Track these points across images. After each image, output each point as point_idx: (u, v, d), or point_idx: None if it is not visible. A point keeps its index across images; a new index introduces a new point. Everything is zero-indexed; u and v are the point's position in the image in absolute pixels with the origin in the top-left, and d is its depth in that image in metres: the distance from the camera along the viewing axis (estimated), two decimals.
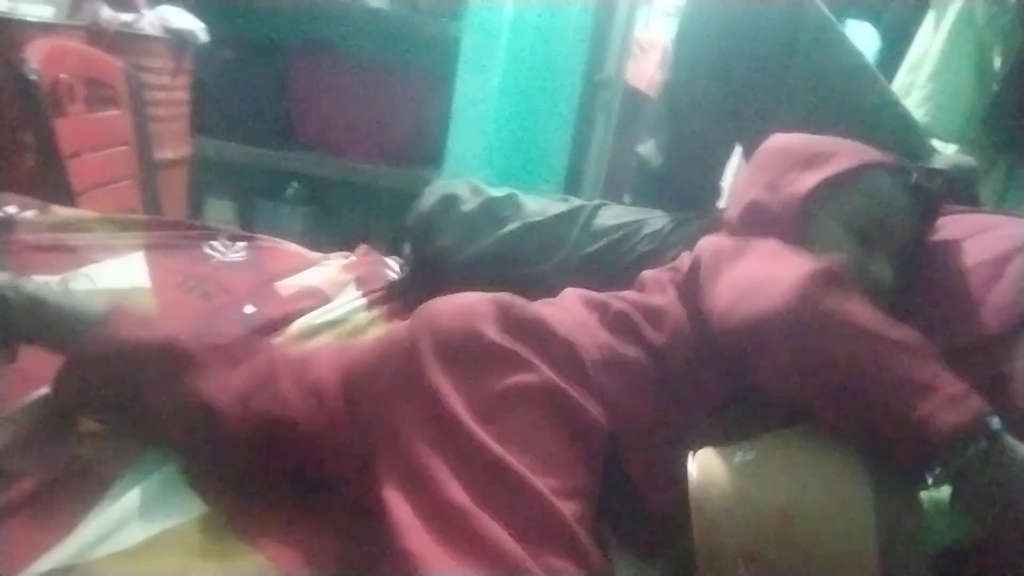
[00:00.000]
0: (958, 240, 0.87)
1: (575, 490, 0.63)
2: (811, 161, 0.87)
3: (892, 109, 1.13)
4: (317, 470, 0.74)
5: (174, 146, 1.95)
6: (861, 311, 0.67)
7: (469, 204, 1.13)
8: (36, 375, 0.78)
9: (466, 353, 0.69)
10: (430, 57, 2.30)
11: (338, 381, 0.74)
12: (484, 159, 2.29)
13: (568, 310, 0.80)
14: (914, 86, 1.80)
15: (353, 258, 1.24)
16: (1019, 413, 0.70)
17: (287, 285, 1.12)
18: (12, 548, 0.62)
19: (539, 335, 0.71)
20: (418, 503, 0.60)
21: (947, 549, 0.64)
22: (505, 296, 0.76)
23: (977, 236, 0.86)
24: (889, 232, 0.85)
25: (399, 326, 0.77)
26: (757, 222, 0.86)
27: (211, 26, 2.02)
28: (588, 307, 0.81)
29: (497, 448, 0.62)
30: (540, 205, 1.13)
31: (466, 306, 0.73)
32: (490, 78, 2.26)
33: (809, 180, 0.85)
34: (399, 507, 0.60)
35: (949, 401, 0.62)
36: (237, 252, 1.21)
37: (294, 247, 1.27)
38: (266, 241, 1.26)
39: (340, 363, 0.76)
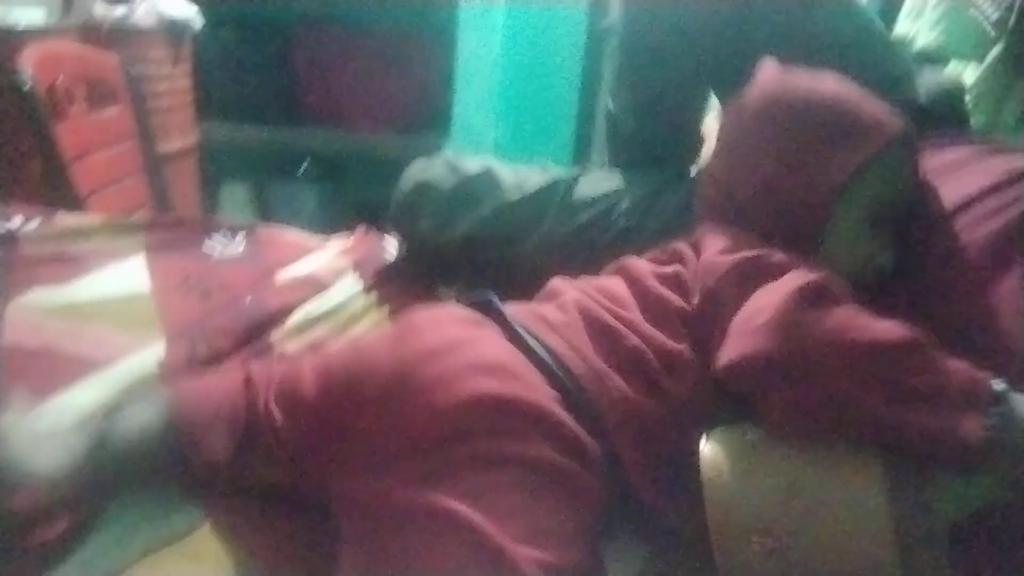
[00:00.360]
0: (934, 183, 0.83)
1: (562, 566, 0.58)
2: (838, 134, 0.77)
3: (871, 35, 1.07)
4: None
5: (181, 135, 1.97)
6: (848, 323, 0.63)
7: (444, 185, 1.11)
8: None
9: (453, 409, 0.63)
10: (430, 21, 2.28)
11: (314, 398, 0.71)
12: (490, 120, 2.28)
13: (576, 347, 0.70)
14: (927, 5, 1.73)
15: (351, 241, 1.25)
16: (1006, 350, 0.69)
17: (286, 275, 1.13)
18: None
19: (537, 415, 0.64)
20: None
21: (967, 517, 0.63)
22: (502, 351, 0.69)
23: (954, 175, 0.83)
24: (898, 211, 0.80)
25: (379, 343, 0.73)
26: (774, 209, 0.78)
27: (209, 10, 2.02)
28: (593, 332, 0.72)
29: (475, 517, 0.57)
30: (517, 179, 1.10)
31: (456, 354, 0.67)
32: (491, 37, 2.23)
33: (842, 164, 0.76)
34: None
35: (963, 405, 0.60)
36: (237, 245, 1.22)
37: (294, 234, 1.27)
38: (266, 230, 1.27)
39: (318, 381, 0.72)
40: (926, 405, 0.60)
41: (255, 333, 0.99)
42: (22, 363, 0.88)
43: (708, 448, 0.67)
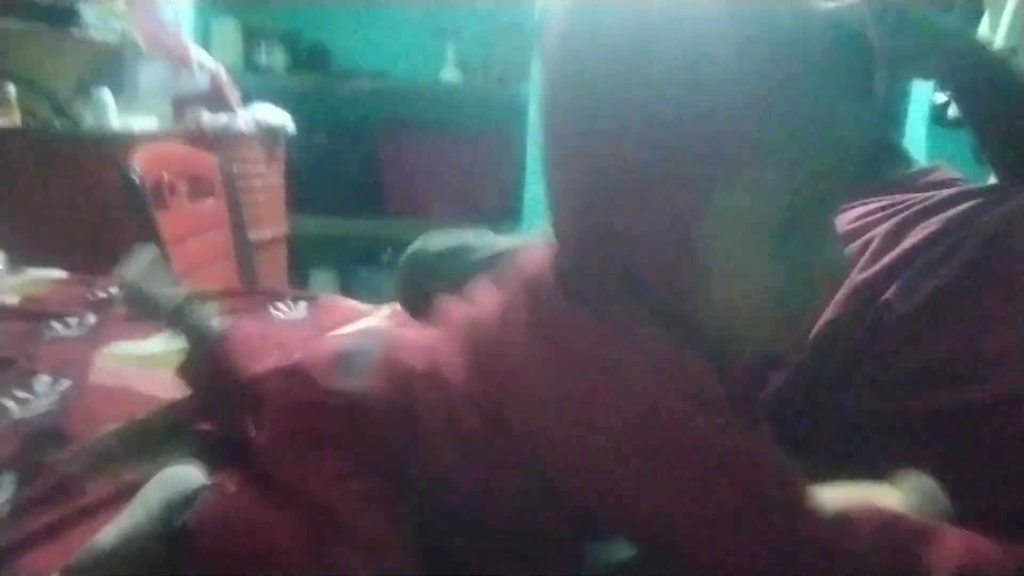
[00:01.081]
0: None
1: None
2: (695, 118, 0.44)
3: None
4: None
5: (272, 225, 2.19)
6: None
7: (417, 265, 1.14)
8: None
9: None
10: (503, 121, 2.47)
11: None
12: None
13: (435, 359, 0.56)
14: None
15: (398, 307, 1.38)
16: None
17: (335, 336, 1.26)
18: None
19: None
20: None
21: None
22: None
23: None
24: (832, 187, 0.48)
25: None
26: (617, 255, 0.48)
27: (303, 115, 2.27)
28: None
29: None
30: (489, 254, 1.06)
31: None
32: None
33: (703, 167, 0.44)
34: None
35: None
36: (299, 311, 1.37)
37: (349, 302, 1.42)
38: (325, 299, 1.42)
39: None
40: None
41: None
42: (102, 398, 1.04)
43: None
